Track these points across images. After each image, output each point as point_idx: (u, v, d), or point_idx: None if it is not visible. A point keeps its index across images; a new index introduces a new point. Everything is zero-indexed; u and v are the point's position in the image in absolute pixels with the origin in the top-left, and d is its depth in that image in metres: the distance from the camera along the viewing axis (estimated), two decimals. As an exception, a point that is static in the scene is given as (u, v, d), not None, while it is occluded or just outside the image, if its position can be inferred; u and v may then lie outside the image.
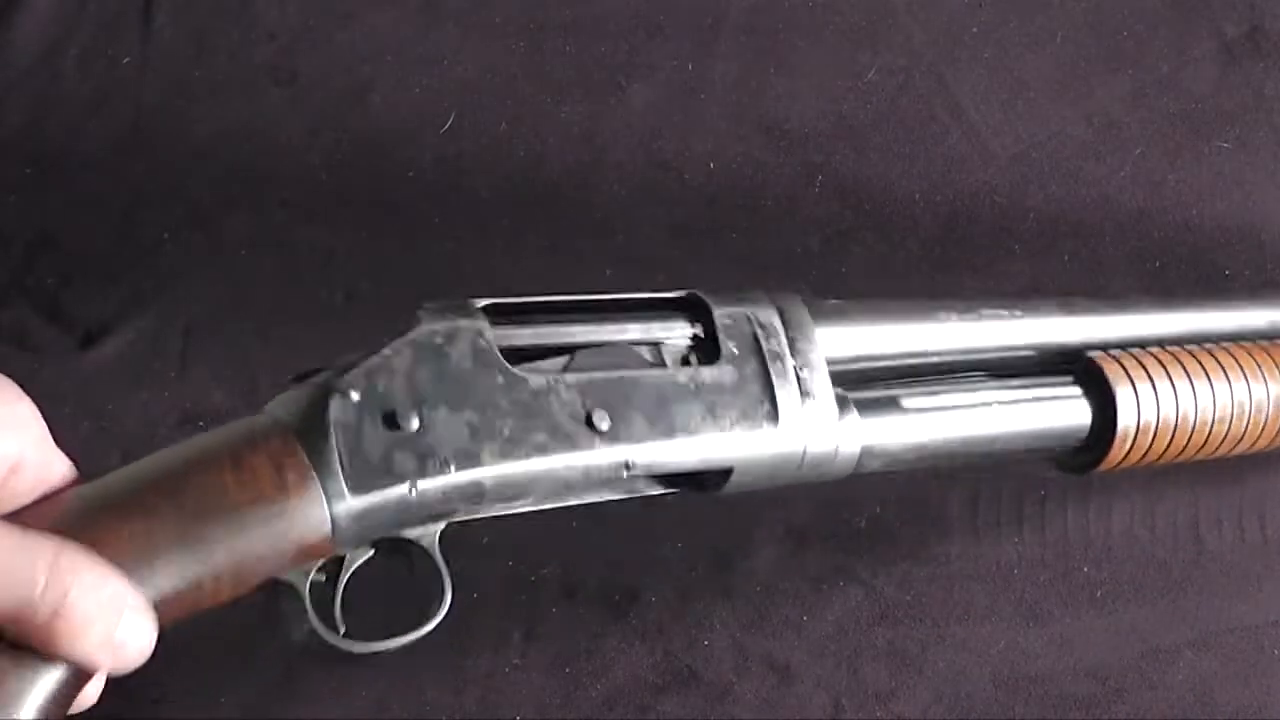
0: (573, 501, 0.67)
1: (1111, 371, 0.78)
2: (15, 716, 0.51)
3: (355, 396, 0.61)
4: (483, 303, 0.65)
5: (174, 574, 0.55)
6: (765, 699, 0.90)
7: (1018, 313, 0.78)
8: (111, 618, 0.52)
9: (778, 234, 1.03)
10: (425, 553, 0.64)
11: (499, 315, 0.65)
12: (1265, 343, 0.84)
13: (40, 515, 0.54)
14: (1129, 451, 0.79)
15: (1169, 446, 0.80)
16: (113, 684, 0.57)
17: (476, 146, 1.04)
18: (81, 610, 0.51)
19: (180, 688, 0.90)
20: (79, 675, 0.53)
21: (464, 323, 0.64)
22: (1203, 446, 0.82)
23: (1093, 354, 0.79)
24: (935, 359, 0.77)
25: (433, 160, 1.04)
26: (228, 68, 1.05)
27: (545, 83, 1.05)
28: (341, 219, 1.03)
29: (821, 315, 0.72)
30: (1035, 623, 0.94)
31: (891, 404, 0.74)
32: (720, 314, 0.69)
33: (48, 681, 0.52)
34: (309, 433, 0.60)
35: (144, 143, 1.04)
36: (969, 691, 0.92)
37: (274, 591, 0.60)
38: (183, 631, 0.57)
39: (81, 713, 0.56)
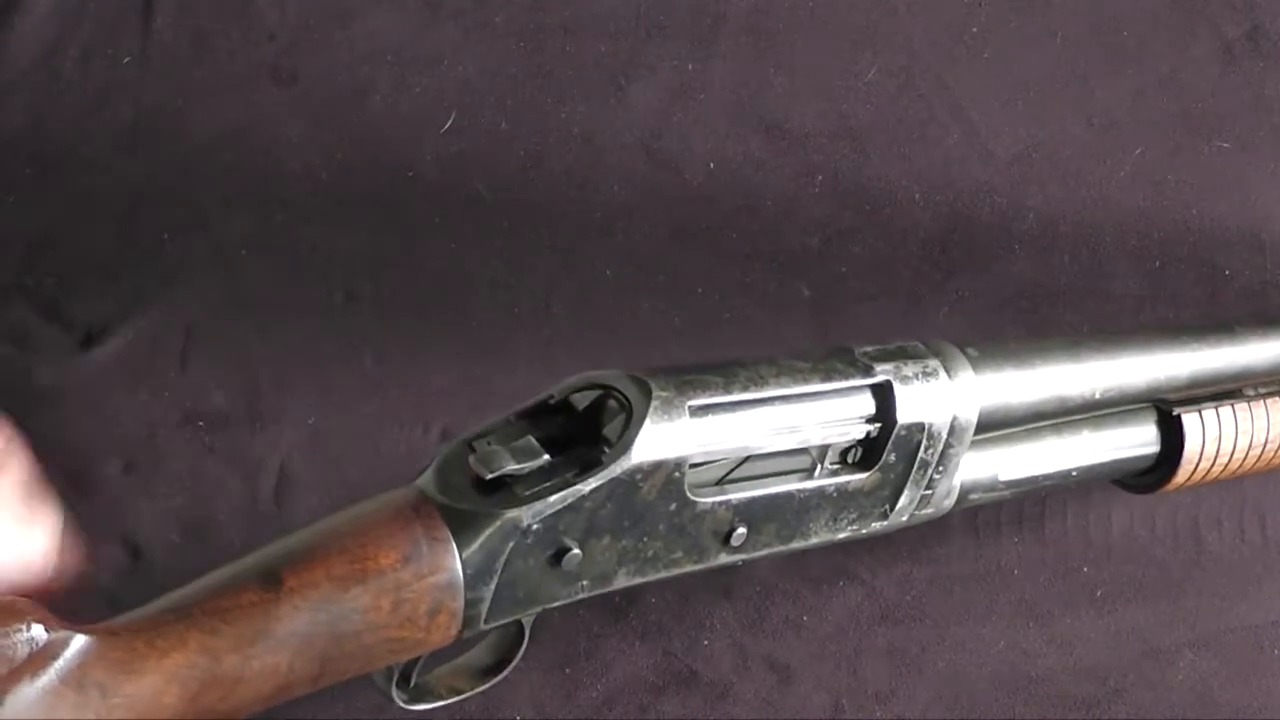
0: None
1: (1187, 416, 0.81)
2: None
3: (534, 533, 0.59)
4: (695, 403, 0.61)
5: (312, 662, 0.58)
6: (765, 699, 0.90)
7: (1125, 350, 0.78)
8: None
9: (778, 234, 1.03)
10: (520, 629, 0.65)
11: (700, 414, 0.61)
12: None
13: None
14: (1190, 477, 0.84)
15: (1220, 474, 0.85)
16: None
17: (476, 146, 1.04)
18: None
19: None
20: None
21: (670, 455, 0.60)
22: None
23: (1177, 410, 0.81)
24: (1062, 403, 0.76)
25: (433, 160, 1.04)
26: (228, 68, 1.05)
27: (545, 83, 1.05)
28: (341, 219, 1.03)
29: (984, 369, 0.70)
30: (1035, 623, 0.94)
31: (993, 445, 0.74)
32: (902, 424, 0.66)
33: None
34: (474, 573, 0.58)
35: (144, 143, 1.04)
36: (969, 691, 0.92)
37: None
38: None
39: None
